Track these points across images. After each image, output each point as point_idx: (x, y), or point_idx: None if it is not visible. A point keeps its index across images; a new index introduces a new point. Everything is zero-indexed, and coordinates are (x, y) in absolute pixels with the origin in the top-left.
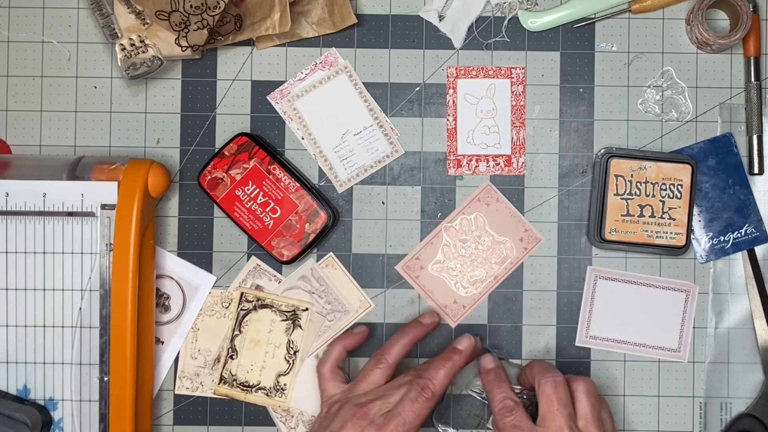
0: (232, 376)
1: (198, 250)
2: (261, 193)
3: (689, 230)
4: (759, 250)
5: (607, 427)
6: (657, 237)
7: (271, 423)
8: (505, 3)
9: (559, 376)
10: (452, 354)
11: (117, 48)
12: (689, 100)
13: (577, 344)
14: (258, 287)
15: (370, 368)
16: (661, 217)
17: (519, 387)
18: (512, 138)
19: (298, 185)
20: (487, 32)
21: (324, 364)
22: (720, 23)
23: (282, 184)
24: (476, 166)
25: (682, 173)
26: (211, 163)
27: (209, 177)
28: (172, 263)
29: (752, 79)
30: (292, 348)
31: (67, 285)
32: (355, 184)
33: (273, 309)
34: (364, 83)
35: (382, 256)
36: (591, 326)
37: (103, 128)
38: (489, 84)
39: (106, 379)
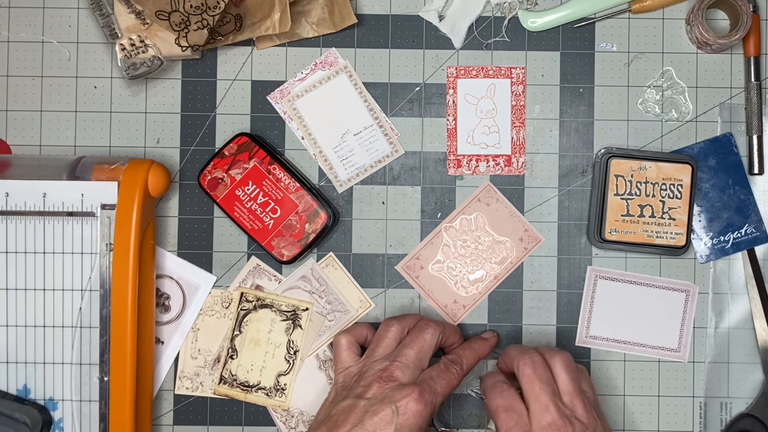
0: (232, 376)
1: (198, 250)
2: (261, 193)
3: (689, 230)
4: (759, 250)
5: (589, 398)
6: (657, 237)
7: (271, 423)
8: (505, 3)
9: (537, 355)
10: (478, 339)
11: (117, 48)
12: (689, 100)
13: (577, 344)
14: (258, 287)
15: (382, 332)
16: (661, 217)
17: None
18: (512, 138)
19: (298, 185)
20: (487, 32)
21: (345, 334)
22: (720, 23)
23: (282, 184)
24: (476, 166)
25: (682, 173)
26: (211, 163)
27: (209, 177)
28: (172, 263)
29: (752, 79)
30: (292, 348)
31: (67, 285)
32: (355, 184)
33: (273, 309)
34: (364, 83)
35: (382, 256)
36: (591, 326)
37: (103, 128)
38: (489, 84)
39: (106, 379)
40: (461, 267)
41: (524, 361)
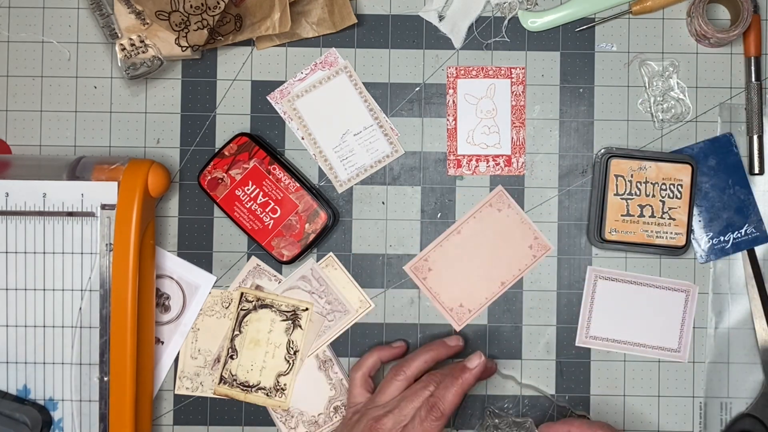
0: (232, 376)
1: (198, 250)
2: (261, 193)
3: (689, 230)
4: (759, 250)
5: None
6: (657, 237)
7: (271, 423)
8: (505, 3)
9: None
10: (462, 372)
11: (117, 48)
12: (689, 100)
13: (577, 344)
14: (258, 287)
15: (388, 380)
16: (661, 217)
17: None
18: (512, 138)
19: (298, 185)
20: (487, 32)
21: (357, 369)
22: (721, 24)
23: (282, 184)
24: (476, 166)
25: (682, 173)
26: (211, 163)
27: (209, 177)
28: (172, 263)
29: (752, 79)
30: (292, 348)
31: (67, 285)
32: (355, 184)
33: (273, 309)
34: (364, 83)
35: (382, 256)
36: (591, 326)
37: (103, 128)
38: (489, 84)
39: (106, 379)
40: (469, 271)
41: None
